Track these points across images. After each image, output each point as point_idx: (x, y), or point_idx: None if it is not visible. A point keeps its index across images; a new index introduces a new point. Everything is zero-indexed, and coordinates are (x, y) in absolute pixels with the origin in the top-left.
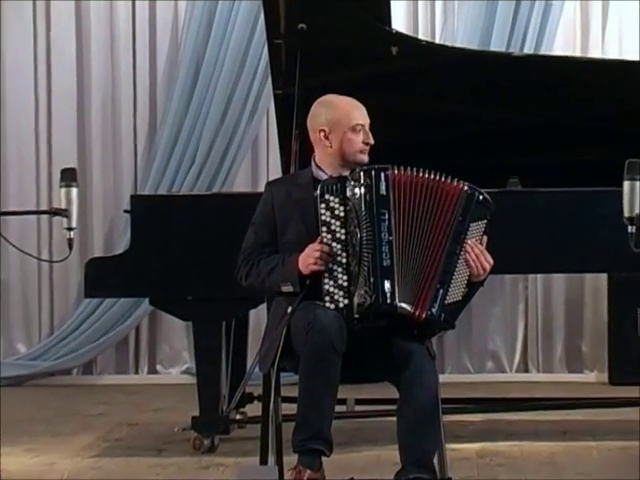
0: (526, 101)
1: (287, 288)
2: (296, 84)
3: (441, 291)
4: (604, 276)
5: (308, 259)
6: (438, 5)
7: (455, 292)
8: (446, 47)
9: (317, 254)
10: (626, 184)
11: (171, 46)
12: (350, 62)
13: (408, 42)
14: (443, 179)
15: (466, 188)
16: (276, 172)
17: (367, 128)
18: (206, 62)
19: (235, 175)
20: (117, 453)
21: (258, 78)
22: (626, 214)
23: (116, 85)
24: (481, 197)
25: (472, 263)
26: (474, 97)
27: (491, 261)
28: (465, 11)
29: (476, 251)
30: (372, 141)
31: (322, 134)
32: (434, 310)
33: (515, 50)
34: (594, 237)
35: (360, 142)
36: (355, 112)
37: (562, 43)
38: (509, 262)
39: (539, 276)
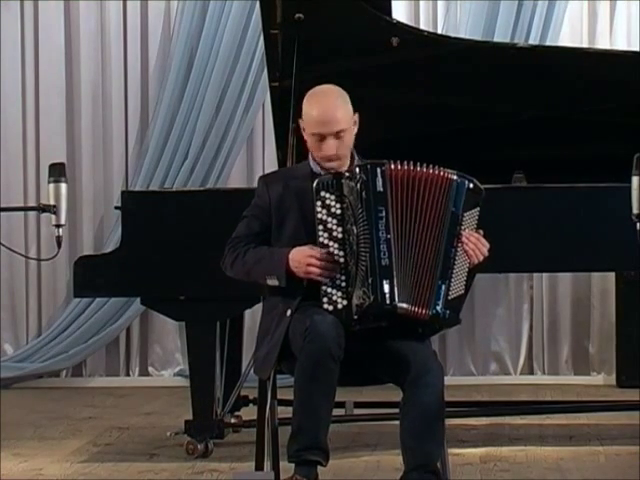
0: (531, 93)
1: (272, 281)
2: (293, 76)
3: (443, 287)
4: (612, 275)
5: (310, 264)
6: (440, 5)
7: (457, 286)
8: (449, 38)
9: (317, 262)
10: (634, 179)
11: (163, 37)
12: (349, 53)
13: (409, 32)
14: (431, 170)
15: (455, 177)
16: (272, 167)
17: (331, 139)
18: (199, 53)
19: (230, 170)
20: (107, 458)
21: (253, 70)
22: (635, 210)
23: (106, 78)
24: (471, 185)
25: (471, 252)
26: (477, 90)
27: (488, 245)
28: (467, 10)
29: (473, 240)
30: (331, 152)
31: (302, 127)
32: (438, 308)
33: None
34: (601, 234)
35: (322, 151)
36: (316, 118)
37: (568, 42)
38: (513, 260)
39: (545, 275)
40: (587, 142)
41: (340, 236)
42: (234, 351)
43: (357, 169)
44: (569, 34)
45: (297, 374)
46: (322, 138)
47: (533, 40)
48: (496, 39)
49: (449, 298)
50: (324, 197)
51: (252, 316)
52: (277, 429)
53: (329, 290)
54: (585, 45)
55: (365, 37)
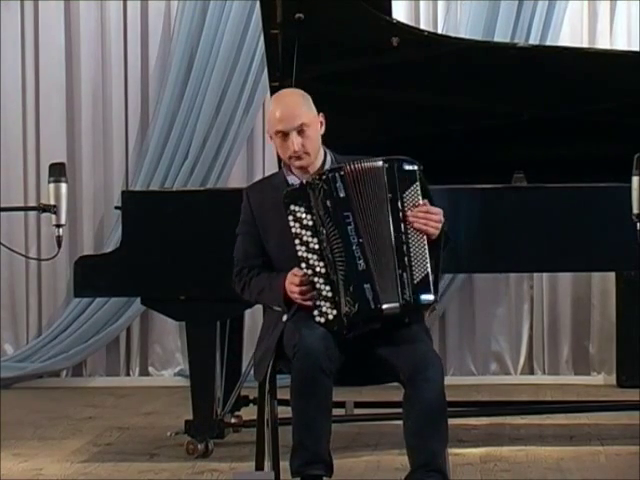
0: (531, 93)
1: (278, 309)
2: (293, 76)
3: (404, 275)
4: (612, 275)
5: (292, 292)
6: (440, 5)
7: (421, 267)
8: (449, 38)
9: (297, 289)
10: (635, 179)
11: (163, 37)
12: (349, 53)
13: (410, 32)
14: (364, 163)
15: (380, 164)
16: (272, 167)
17: (294, 134)
18: (199, 53)
19: (230, 170)
20: (107, 458)
21: (254, 70)
22: (635, 210)
23: (106, 78)
24: (405, 166)
25: (424, 228)
26: (477, 90)
27: (439, 211)
28: (467, 10)
29: (421, 216)
30: (296, 147)
31: (268, 135)
32: (406, 297)
33: None
34: (602, 234)
35: (288, 148)
36: (277, 116)
37: (568, 42)
38: (513, 260)
39: (545, 275)
40: (587, 142)
41: (317, 247)
42: (234, 351)
43: (317, 178)
44: (569, 34)
45: (291, 391)
46: (285, 135)
47: (533, 40)
48: (496, 39)
49: (415, 282)
50: (294, 210)
51: (252, 316)
52: (277, 429)
53: (317, 302)
54: (585, 45)
55: (365, 37)
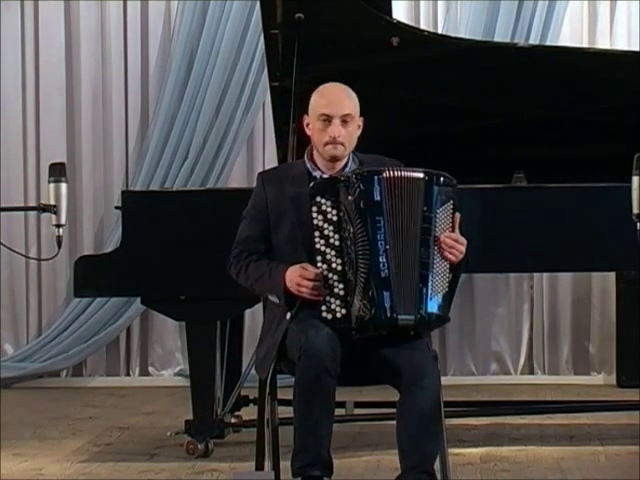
0: (531, 93)
1: (273, 299)
2: (293, 76)
3: (424, 290)
4: (612, 275)
5: (300, 285)
6: (440, 5)
7: (440, 285)
8: (449, 38)
9: (310, 284)
10: (635, 179)
11: (163, 37)
12: (349, 53)
13: (409, 32)
14: (402, 172)
15: (422, 175)
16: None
17: (337, 121)
18: (200, 53)
19: (230, 170)
20: (107, 458)
21: (254, 70)
22: (635, 210)
23: (106, 78)
24: (442, 179)
25: (449, 256)
26: (477, 89)
27: (465, 241)
28: (467, 10)
29: (449, 243)
30: (336, 133)
31: (305, 123)
32: (422, 312)
33: None
34: (602, 234)
35: (327, 134)
36: (324, 101)
37: (568, 42)
38: (513, 260)
39: (545, 275)
40: (587, 142)
41: (337, 243)
42: (234, 351)
43: (354, 177)
44: (569, 34)
45: (295, 393)
46: (329, 120)
47: (533, 40)
48: (496, 39)
49: (432, 299)
50: (320, 202)
51: (252, 316)
52: (277, 429)
53: (327, 298)
54: (585, 45)
55: (365, 37)
